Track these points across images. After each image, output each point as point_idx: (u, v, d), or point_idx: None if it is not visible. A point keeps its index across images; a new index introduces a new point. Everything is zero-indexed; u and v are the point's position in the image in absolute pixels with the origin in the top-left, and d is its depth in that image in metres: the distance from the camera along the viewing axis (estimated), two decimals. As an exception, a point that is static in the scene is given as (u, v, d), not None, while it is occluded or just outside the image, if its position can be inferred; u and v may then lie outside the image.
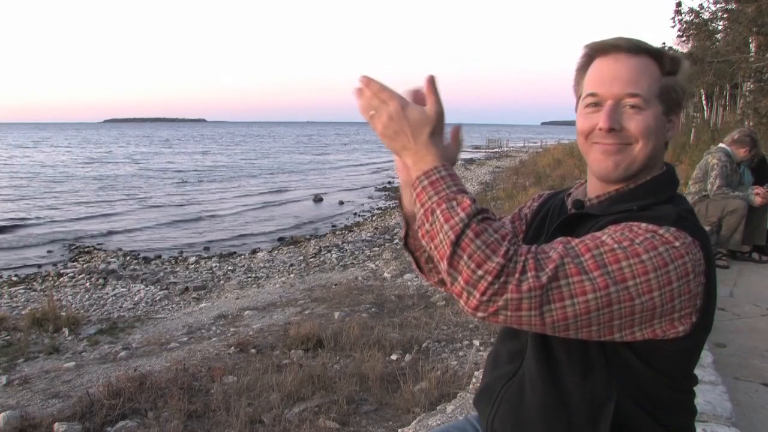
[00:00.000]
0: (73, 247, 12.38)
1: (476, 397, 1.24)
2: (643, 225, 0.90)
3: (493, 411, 1.13)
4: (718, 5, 18.01)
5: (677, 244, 0.88)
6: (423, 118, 0.91)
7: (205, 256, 11.39)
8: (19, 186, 24.59)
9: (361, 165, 38.20)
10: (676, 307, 0.88)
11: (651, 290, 0.85)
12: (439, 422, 2.68)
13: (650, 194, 1.02)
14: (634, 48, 1.01)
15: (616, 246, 0.87)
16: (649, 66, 1.01)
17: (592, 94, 1.03)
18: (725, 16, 17.76)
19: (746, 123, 14.32)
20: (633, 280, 0.85)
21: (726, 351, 3.24)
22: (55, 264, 10.79)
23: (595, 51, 1.04)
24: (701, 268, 0.90)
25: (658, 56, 1.02)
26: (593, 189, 1.10)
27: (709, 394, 2.14)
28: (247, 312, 6.19)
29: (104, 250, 11.93)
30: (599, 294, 0.84)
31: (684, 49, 21.18)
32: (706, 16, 18.66)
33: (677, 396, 0.99)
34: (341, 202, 19.69)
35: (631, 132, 1.00)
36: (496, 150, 53.73)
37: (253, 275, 9.23)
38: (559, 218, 1.12)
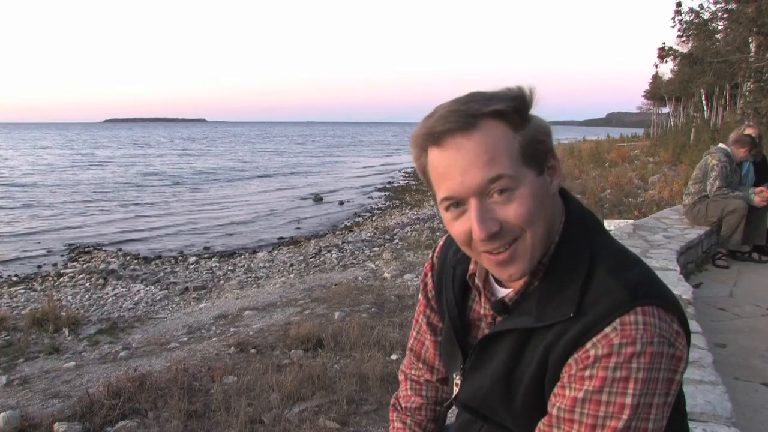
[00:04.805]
0: (73, 247, 12.37)
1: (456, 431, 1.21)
2: (613, 360, 0.80)
3: None
4: (718, 5, 18.00)
5: (655, 346, 0.80)
6: None
7: (205, 256, 11.38)
8: (18, 186, 24.58)
9: (362, 165, 38.22)
10: (676, 371, 0.86)
11: (664, 401, 0.84)
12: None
13: (572, 269, 0.87)
14: (469, 120, 0.82)
15: (625, 418, 0.81)
16: (496, 131, 0.82)
17: (448, 198, 0.85)
18: (725, 16, 17.75)
19: (746, 123, 14.32)
20: (652, 418, 0.82)
21: (726, 351, 3.24)
22: (55, 264, 10.78)
23: (427, 143, 0.86)
24: (674, 336, 0.84)
25: (501, 114, 0.83)
26: (503, 280, 0.96)
27: (709, 394, 2.14)
28: (247, 312, 6.18)
29: (104, 250, 11.92)
30: None
31: (684, 49, 21.19)
32: (706, 16, 18.65)
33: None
34: (341, 202, 19.69)
35: (512, 223, 0.84)
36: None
37: (253, 275, 9.23)
38: (459, 304, 1.05)
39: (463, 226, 0.86)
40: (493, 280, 1.01)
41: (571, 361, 0.84)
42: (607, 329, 0.81)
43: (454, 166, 0.83)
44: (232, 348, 4.48)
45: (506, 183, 0.82)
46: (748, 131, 5.66)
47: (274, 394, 3.37)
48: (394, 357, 4.02)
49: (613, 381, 0.80)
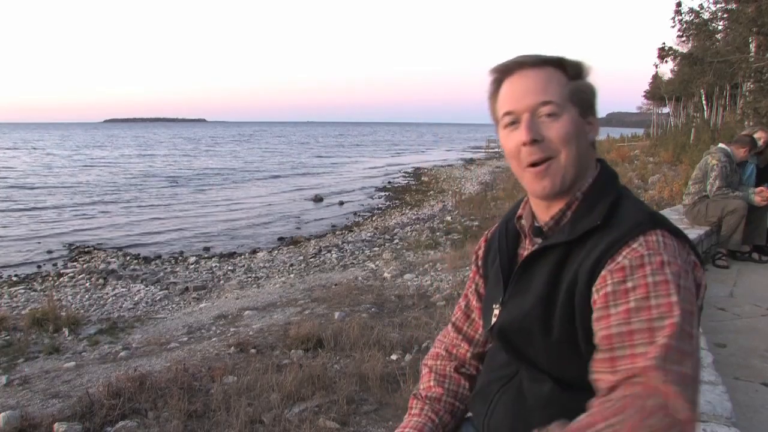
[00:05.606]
0: (73, 247, 12.36)
1: (470, 400, 1.26)
2: (648, 269, 0.91)
3: (489, 412, 1.14)
4: (718, 5, 17.99)
5: (679, 261, 0.93)
6: None
7: (205, 256, 11.38)
8: (18, 187, 24.59)
9: (362, 165, 38.20)
10: (698, 298, 0.97)
11: (697, 322, 0.92)
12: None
13: (600, 197, 1.05)
14: (538, 61, 1.07)
15: (677, 315, 0.87)
16: (555, 74, 1.07)
17: (508, 113, 1.08)
18: (725, 16, 17.74)
19: (746, 123, 14.33)
20: (695, 325, 0.90)
21: (726, 351, 3.24)
22: (55, 264, 10.77)
23: (502, 73, 1.10)
24: (691, 264, 0.97)
25: (561, 64, 1.07)
26: (541, 210, 1.12)
27: (709, 394, 2.14)
28: (247, 312, 6.19)
29: (104, 250, 11.91)
30: (687, 336, 0.86)
31: (684, 49, 21.18)
32: (706, 16, 18.65)
33: None
34: (341, 202, 19.68)
35: (552, 140, 1.04)
36: (497, 150, 53.81)
37: (253, 275, 9.23)
38: (509, 248, 1.18)
39: (514, 138, 1.07)
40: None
41: (605, 272, 0.94)
42: (634, 243, 0.94)
43: (518, 89, 1.07)
44: (232, 348, 4.48)
45: (553, 109, 1.04)
46: (758, 135, 5.64)
47: (274, 394, 3.37)
48: (394, 357, 4.02)
49: (655, 285, 0.89)
